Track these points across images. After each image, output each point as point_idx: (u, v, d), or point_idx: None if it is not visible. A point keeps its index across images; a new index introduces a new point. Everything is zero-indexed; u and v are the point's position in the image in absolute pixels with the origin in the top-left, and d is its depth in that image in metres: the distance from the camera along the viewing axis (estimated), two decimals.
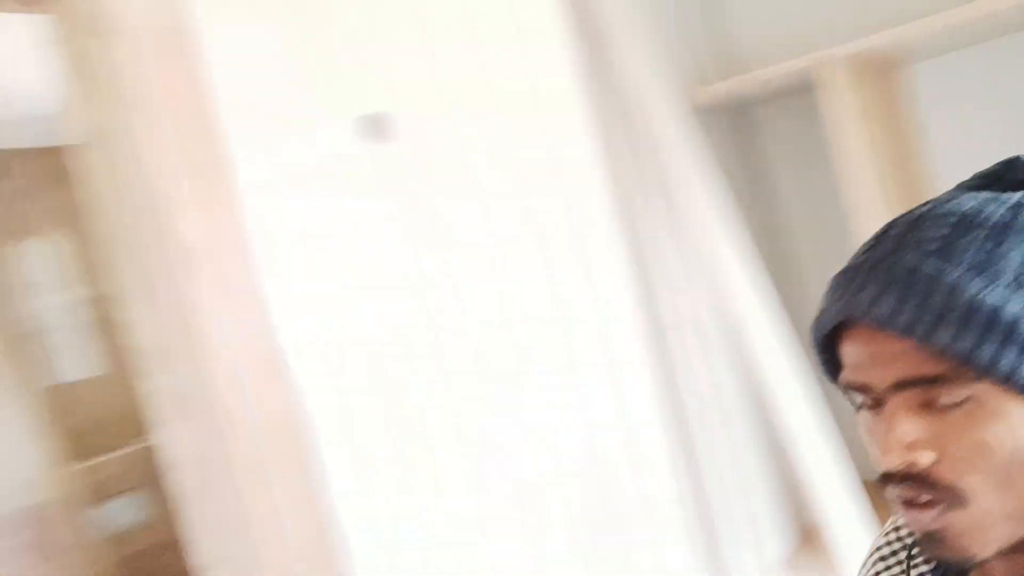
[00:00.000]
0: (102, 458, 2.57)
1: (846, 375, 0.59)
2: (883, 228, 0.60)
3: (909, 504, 0.56)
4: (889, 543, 0.76)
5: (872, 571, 0.76)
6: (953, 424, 0.54)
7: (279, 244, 1.20)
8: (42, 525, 2.38)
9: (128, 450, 2.61)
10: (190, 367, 1.11)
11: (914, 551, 0.71)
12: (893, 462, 0.55)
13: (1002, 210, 0.55)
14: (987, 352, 0.52)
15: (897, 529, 0.76)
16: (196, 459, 1.14)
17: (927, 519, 0.56)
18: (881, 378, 0.56)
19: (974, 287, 0.52)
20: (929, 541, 0.57)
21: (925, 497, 0.55)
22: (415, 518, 1.32)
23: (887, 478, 0.57)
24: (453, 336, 1.44)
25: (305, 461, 1.16)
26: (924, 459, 0.55)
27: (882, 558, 0.76)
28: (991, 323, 0.52)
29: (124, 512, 2.57)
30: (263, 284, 1.15)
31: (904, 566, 0.73)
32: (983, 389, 0.53)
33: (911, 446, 0.55)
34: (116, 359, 2.70)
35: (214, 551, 1.16)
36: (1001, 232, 0.54)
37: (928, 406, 0.55)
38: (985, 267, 0.53)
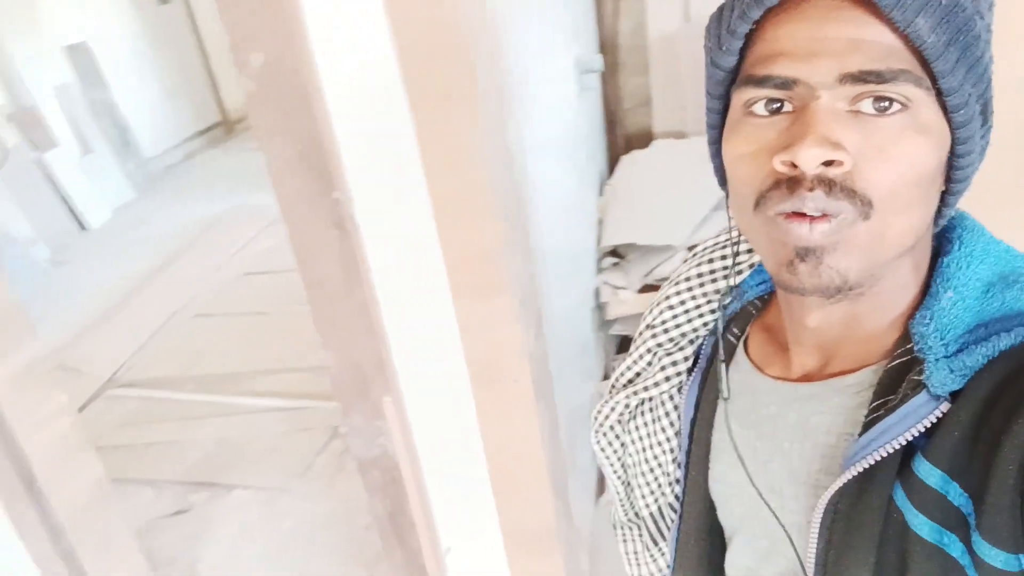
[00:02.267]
0: None
1: (767, 68, 0.52)
2: None
3: (798, 216, 0.51)
4: (712, 264, 0.73)
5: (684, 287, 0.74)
6: (881, 131, 0.50)
7: None
8: None
9: None
10: None
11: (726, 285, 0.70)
12: (815, 159, 0.49)
13: None
14: (952, 55, 0.50)
15: (718, 260, 0.73)
16: None
17: (817, 232, 0.50)
18: (827, 68, 0.50)
19: None
20: (804, 259, 0.52)
21: (834, 205, 0.50)
22: None
23: (782, 185, 0.51)
24: None
25: None
26: (847, 161, 0.50)
27: (700, 276, 0.73)
28: (965, 27, 0.50)
29: None
30: None
31: (708, 297, 0.73)
32: (923, 100, 0.50)
33: (837, 145, 0.49)
34: None
35: None
36: None
37: (854, 113, 0.51)
38: None
